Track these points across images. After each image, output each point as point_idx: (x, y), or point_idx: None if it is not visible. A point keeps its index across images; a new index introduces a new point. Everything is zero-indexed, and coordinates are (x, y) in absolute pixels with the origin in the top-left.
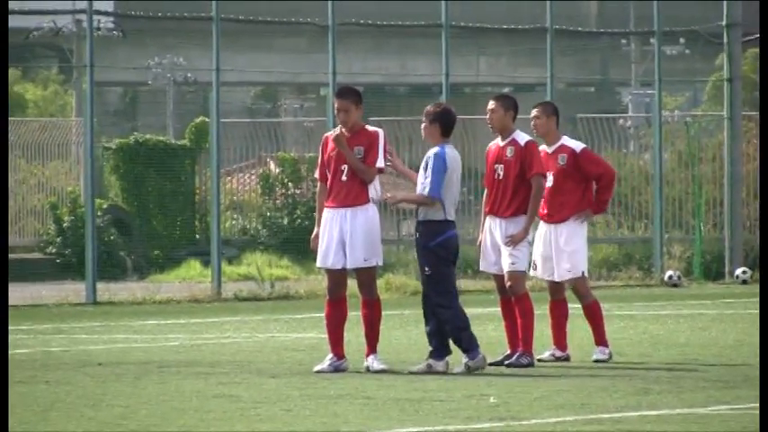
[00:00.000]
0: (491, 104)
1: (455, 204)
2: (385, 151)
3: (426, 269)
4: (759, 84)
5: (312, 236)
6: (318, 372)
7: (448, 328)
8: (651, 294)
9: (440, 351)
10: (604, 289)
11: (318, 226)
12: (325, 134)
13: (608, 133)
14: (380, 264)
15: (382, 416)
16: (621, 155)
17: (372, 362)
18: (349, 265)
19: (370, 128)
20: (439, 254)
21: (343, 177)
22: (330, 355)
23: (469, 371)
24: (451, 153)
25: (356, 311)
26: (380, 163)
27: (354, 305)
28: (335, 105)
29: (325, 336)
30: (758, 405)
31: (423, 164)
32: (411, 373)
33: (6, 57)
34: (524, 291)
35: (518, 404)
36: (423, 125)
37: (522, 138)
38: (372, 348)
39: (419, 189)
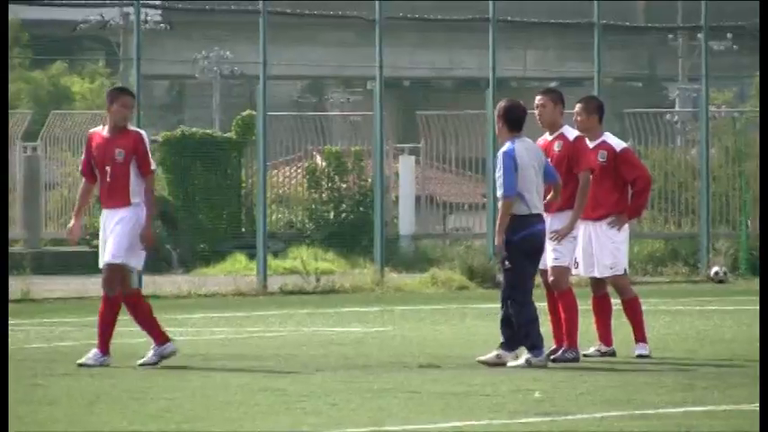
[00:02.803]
0: (539, 99)
1: (539, 195)
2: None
3: (506, 263)
4: (759, 84)
5: (67, 228)
6: (82, 365)
7: (516, 322)
8: (697, 290)
9: (510, 343)
10: (650, 284)
11: (76, 219)
12: (90, 131)
13: (655, 128)
14: (127, 264)
15: (427, 410)
16: (668, 150)
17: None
18: (103, 261)
19: (131, 128)
20: (521, 248)
21: (108, 179)
22: (95, 350)
23: (530, 366)
24: (522, 146)
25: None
26: (153, 165)
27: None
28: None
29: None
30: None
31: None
32: (480, 362)
33: (6, 57)
34: (568, 286)
35: (563, 399)
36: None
37: (572, 133)
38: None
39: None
